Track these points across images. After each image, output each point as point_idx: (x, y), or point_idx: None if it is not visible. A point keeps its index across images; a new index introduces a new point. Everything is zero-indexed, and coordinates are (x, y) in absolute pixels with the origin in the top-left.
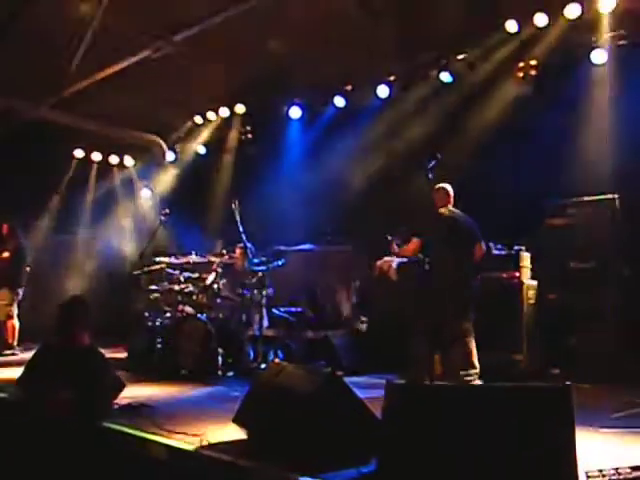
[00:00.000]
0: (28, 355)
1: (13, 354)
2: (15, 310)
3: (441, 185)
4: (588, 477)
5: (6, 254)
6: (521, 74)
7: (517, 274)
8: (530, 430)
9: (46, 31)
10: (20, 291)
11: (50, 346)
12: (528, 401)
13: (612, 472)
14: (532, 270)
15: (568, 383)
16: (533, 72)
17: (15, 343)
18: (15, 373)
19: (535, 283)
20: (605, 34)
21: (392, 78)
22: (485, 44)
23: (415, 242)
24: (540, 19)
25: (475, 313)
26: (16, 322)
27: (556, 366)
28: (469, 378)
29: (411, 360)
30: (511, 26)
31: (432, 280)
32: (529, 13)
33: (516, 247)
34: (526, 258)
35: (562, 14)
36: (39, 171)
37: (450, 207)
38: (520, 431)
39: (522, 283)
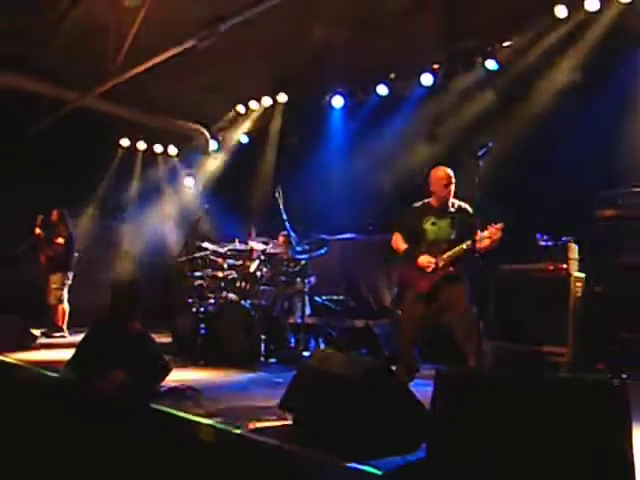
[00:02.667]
0: (77, 338)
1: (62, 337)
2: (66, 294)
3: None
4: None
5: (61, 240)
6: (571, 61)
7: (564, 266)
8: (584, 427)
9: (94, 21)
10: (70, 275)
11: (100, 328)
12: (582, 396)
13: None
14: (580, 262)
15: (625, 377)
16: (583, 59)
17: (65, 326)
18: (65, 355)
19: (583, 275)
20: None
21: (436, 66)
22: (533, 30)
23: None
24: (591, 3)
25: None
26: (66, 306)
27: (602, 361)
28: None
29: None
30: (560, 11)
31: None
32: None
33: (564, 238)
34: (574, 250)
35: None
36: (86, 159)
37: None
38: (573, 427)
39: (569, 275)
